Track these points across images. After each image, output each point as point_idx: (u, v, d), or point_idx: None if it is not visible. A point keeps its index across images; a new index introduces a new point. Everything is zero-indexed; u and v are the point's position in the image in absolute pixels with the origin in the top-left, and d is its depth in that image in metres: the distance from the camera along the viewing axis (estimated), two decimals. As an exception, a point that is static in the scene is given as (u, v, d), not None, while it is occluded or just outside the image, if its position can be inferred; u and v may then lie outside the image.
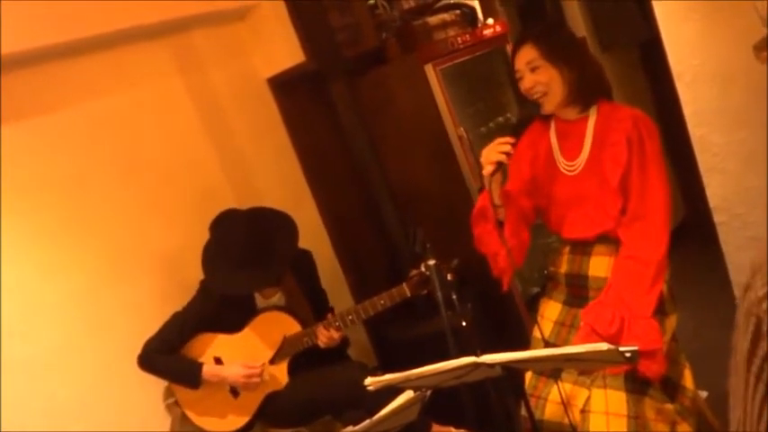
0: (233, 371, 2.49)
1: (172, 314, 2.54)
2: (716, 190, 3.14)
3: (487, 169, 1.86)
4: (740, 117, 2.95)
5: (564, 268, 2.07)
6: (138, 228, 2.81)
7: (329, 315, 2.53)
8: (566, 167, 1.97)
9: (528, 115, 2.00)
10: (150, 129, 2.93)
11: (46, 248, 2.55)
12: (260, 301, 2.60)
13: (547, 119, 2.02)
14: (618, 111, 1.93)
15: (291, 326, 2.53)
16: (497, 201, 1.97)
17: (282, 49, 3.25)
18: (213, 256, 2.53)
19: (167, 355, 2.49)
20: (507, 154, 1.85)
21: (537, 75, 1.89)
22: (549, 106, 1.93)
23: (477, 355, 1.48)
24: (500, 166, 1.87)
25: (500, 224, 1.99)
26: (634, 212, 1.87)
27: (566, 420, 1.90)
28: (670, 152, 4.29)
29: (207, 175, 3.08)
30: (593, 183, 1.92)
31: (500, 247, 1.96)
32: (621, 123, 1.89)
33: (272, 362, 2.53)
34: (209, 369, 2.50)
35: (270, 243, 2.50)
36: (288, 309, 2.58)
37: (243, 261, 2.45)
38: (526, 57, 1.91)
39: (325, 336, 2.47)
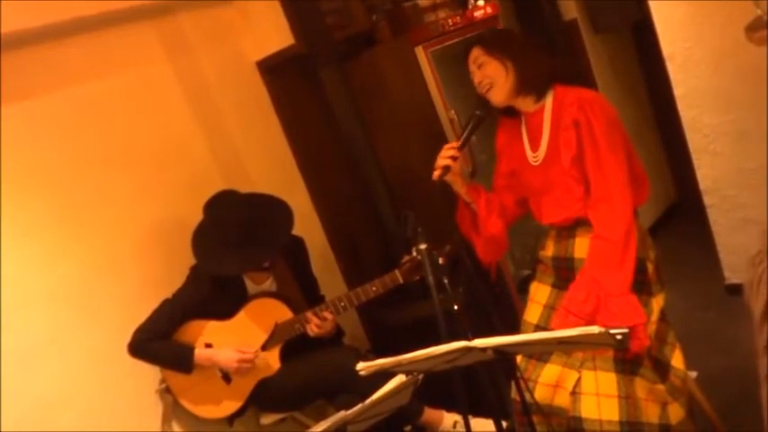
0: (226, 355, 2.48)
1: (162, 301, 2.53)
2: (707, 171, 3.15)
3: (435, 174, 2.03)
4: (731, 98, 2.95)
5: (551, 252, 2.11)
6: (126, 215, 2.78)
7: (323, 305, 2.53)
8: (531, 158, 2.05)
9: (474, 118, 2.06)
10: (138, 113, 2.90)
11: (34, 237, 2.53)
12: (251, 287, 2.59)
13: (513, 115, 2.09)
14: (567, 95, 1.98)
15: (283, 312, 2.53)
16: (466, 198, 2.14)
17: (271, 31, 3.22)
18: (205, 236, 2.52)
19: (157, 342, 2.48)
20: (453, 158, 2.01)
21: (483, 70, 2.00)
22: (496, 98, 2.00)
23: (468, 339, 1.49)
24: (447, 170, 2.02)
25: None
26: (595, 194, 1.92)
27: (556, 403, 1.92)
28: (661, 133, 4.30)
29: (196, 160, 3.06)
30: (555, 170, 1.98)
31: (477, 240, 2.17)
32: (569, 107, 1.94)
33: (264, 348, 2.53)
34: (201, 353, 2.50)
35: (264, 225, 2.49)
36: (279, 295, 2.57)
37: (236, 241, 2.44)
38: (472, 57, 2.02)
39: (314, 323, 2.46)
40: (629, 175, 1.91)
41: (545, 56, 2.06)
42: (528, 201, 2.16)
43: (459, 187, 2.12)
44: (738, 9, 2.45)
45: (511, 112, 2.09)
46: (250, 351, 2.49)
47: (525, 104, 2.03)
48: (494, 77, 1.98)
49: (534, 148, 2.04)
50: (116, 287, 2.70)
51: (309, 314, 2.48)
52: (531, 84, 1.98)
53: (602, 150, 1.88)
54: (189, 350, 2.49)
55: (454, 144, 2.05)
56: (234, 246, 2.44)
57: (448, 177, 2.04)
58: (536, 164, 2.03)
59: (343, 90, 3.00)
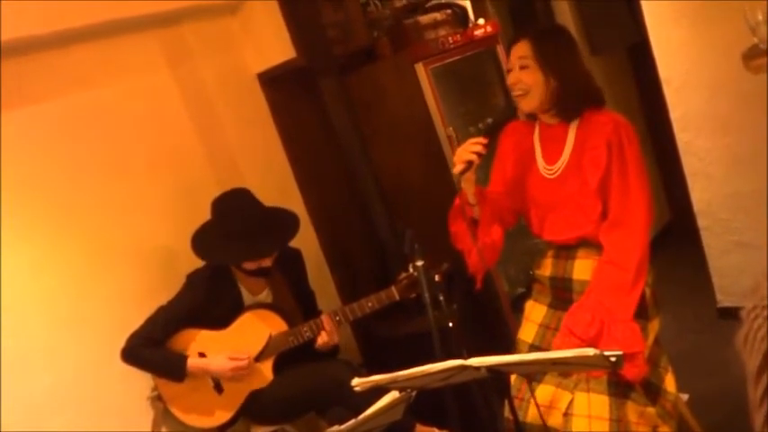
0: (219, 363, 2.47)
1: (157, 308, 2.52)
2: (700, 194, 3.18)
3: (458, 168, 1.91)
4: (726, 123, 2.98)
5: (549, 271, 2.09)
6: (123, 221, 2.78)
7: (318, 319, 2.52)
8: (546, 170, 2.00)
9: (505, 118, 2.04)
10: (138, 121, 2.91)
11: (29, 242, 2.52)
12: (247, 297, 2.59)
13: (532, 121, 2.05)
14: (600, 115, 1.94)
15: (278, 324, 2.52)
16: (471, 199, 2.02)
17: (273, 44, 3.24)
18: (209, 229, 2.52)
19: (149, 348, 2.46)
20: (479, 154, 1.90)
21: (523, 73, 1.91)
22: (525, 107, 1.96)
23: (463, 357, 1.49)
24: (470, 165, 1.91)
25: (475, 222, 2.04)
26: (614, 218, 1.89)
27: (550, 422, 1.92)
28: (656, 156, 4.34)
29: (194, 169, 3.06)
30: (572, 186, 1.94)
31: (472, 246, 2.01)
32: (602, 127, 1.91)
33: (258, 359, 2.52)
34: (194, 362, 2.48)
35: (270, 222, 2.49)
36: (275, 307, 2.57)
37: (240, 233, 2.42)
38: (520, 51, 1.92)
39: (329, 325, 2.46)
40: (650, 206, 1.89)
41: (591, 79, 1.98)
42: (527, 213, 2.10)
43: (470, 186, 1.99)
44: (736, 35, 2.48)
45: (528, 118, 2.03)
46: (243, 357, 2.47)
47: (549, 117, 1.98)
48: (532, 87, 1.90)
49: (550, 160, 1.99)
50: (110, 293, 2.70)
51: (324, 318, 2.48)
52: (567, 106, 1.92)
53: (630, 175, 1.87)
54: (182, 358, 2.48)
55: (481, 139, 1.92)
56: (237, 238, 2.43)
57: (465, 174, 1.92)
58: (550, 177, 1.98)
59: (342, 103, 3.02)
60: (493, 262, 2.13)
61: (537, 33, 1.93)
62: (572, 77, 1.92)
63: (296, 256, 2.71)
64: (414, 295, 2.46)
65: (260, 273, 2.54)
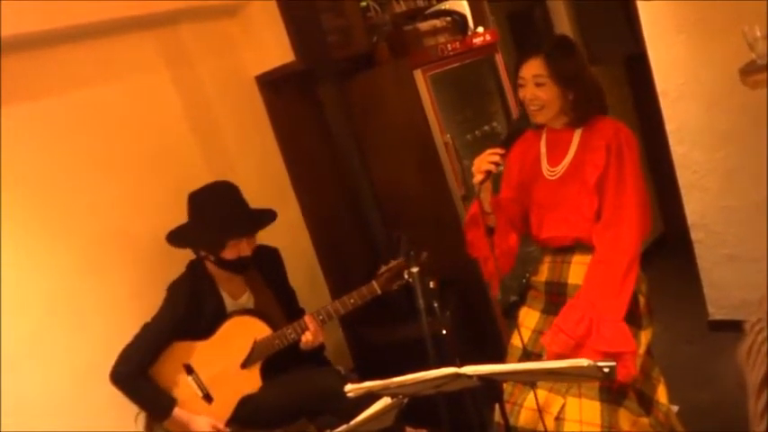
0: (200, 426, 2.44)
1: (142, 326, 2.46)
2: (694, 207, 3.20)
3: (477, 178, 1.95)
4: (722, 136, 3.00)
5: (545, 276, 2.12)
6: (118, 223, 2.76)
7: (301, 320, 2.50)
8: (548, 172, 2.05)
9: (519, 128, 2.06)
10: (134, 122, 2.89)
11: (22, 242, 2.49)
12: (229, 303, 2.55)
13: (538, 128, 2.09)
14: (602, 121, 2.01)
15: (261, 329, 2.49)
16: (487, 208, 2.08)
17: (272, 47, 3.23)
18: (186, 223, 2.50)
19: (142, 381, 2.41)
20: (497, 164, 1.95)
21: (540, 90, 1.94)
22: (541, 119, 2.00)
23: (457, 365, 1.49)
24: (489, 175, 1.95)
25: (490, 230, 2.10)
26: (607, 218, 1.93)
27: (540, 427, 1.93)
28: (651, 168, 4.36)
29: (190, 171, 3.04)
30: (572, 187, 1.99)
31: (489, 253, 2.07)
32: (604, 131, 1.97)
33: (244, 366, 2.49)
34: (179, 414, 2.44)
35: (244, 209, 2.48)
36: (257, 312, 2.53)
37: (214, 219, 2.41)
38: (534, 69, 1.95)
39: (312, 325, 2.44)
40: (643, 210, 1.93)
41: (600, 85, 2.04)
42: (528, 216, 2.15)
43: (487, 194, 2.05)
44: (733, 50, 2.50)
45: (535, 126, 2.07)
46: (225, 430, 2.46)
47: (556, 123, 2.03)
48: (548, 102, 1.94)
49: (553, 162, 2.04)
50: (105, 295, 2.67)
51: (307, 318, 2.46)
52: (578, 114, 1.98)
53: (626, 178, 1.91)
54: (169, 404, 2.44)
55: (498, 149, 1.97)
56: (214, 225, 2.40)
57: (483, 184, 1.97)
58: (552, 178, 2.03)
59: (340, 108, 3.02)
60: (509, 268, 2.19)
61: (549, 51, 1.95)
62: (587, 88, 1.98)
63: (273, 254, 2.67)
64: (395, 287, 2.45)
65: (239, 265, 2.47)
